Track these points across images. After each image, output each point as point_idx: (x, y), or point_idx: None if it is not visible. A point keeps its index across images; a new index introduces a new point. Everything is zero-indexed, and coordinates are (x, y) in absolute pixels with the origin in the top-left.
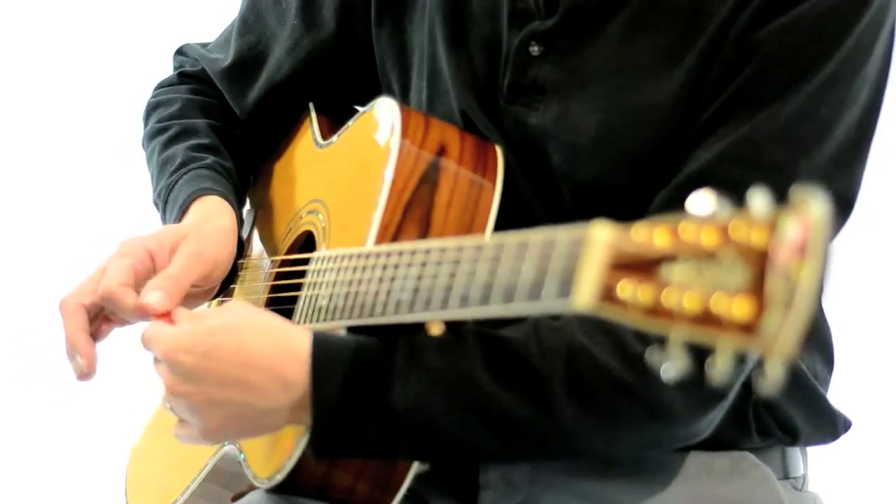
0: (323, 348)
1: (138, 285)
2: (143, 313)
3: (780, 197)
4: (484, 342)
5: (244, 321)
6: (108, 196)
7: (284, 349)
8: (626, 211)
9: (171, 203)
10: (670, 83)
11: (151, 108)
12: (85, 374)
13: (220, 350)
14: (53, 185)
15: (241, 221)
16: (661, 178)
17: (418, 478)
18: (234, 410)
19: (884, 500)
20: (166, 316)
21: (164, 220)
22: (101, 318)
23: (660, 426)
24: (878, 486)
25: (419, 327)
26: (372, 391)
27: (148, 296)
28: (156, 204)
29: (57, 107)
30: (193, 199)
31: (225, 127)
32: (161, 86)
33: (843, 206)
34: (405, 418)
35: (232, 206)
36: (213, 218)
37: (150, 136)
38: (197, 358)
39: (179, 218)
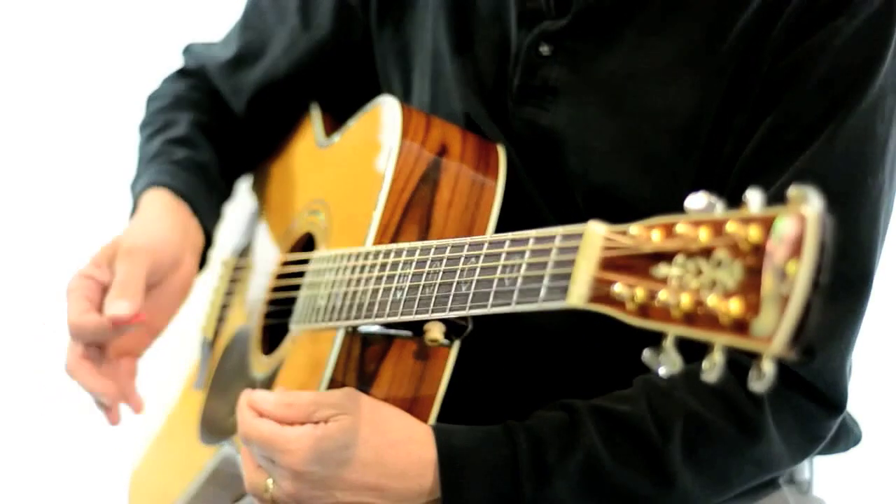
0: (448, 454)
1: (98, 308)
2: (117, 326)
3: (848, 225)
4: (599, 420)
5: (377, 430)
6: (101, 202)
7: (418, 459)
8: (639, 219)
9: (134, 194)
10: (690, 89)
11: (149, 101)
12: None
13: (357, 463)
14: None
15: (200, 211)
16: (679, 188)
17: None
18: None
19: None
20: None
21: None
22: (104, 354)
23: (767, 474)
24: (883, 492)
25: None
26: (502, 490)
27: (111, 307)
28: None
29: (47, 114)
30: (144, 193)
31: (213, 123)
32: (164, 80)
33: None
34: None
35: (182, 196)
36: (148, 210)
37: (140, 128)
38: (334, 468)
39: (134, 208)
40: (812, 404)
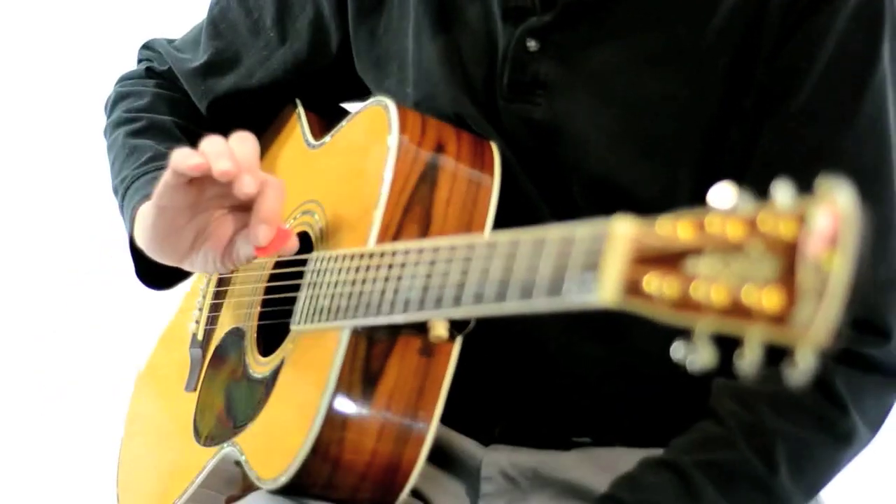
0: None
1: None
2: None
3: (888, 201)
4: (711, 474)
5: None
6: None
7: None
8: (637, 210)
9: (134, 191)
10: (684, 75)
11: (119, 98)
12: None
13: None
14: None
15: None
16: (681, 175)
17: (421, 477)
18: None
19: (886, 500)
20: None
21: (122, 208)
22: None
23: (850, 457)
24: (882, 491)
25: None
26: None
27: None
28: (115, 191)
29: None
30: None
31: (191, 126)
32: (127, 77)
33: None
34: None
35: None
36: None
37: (116, 125)
38: None
39: (141, 203)
40: (885, 378)
